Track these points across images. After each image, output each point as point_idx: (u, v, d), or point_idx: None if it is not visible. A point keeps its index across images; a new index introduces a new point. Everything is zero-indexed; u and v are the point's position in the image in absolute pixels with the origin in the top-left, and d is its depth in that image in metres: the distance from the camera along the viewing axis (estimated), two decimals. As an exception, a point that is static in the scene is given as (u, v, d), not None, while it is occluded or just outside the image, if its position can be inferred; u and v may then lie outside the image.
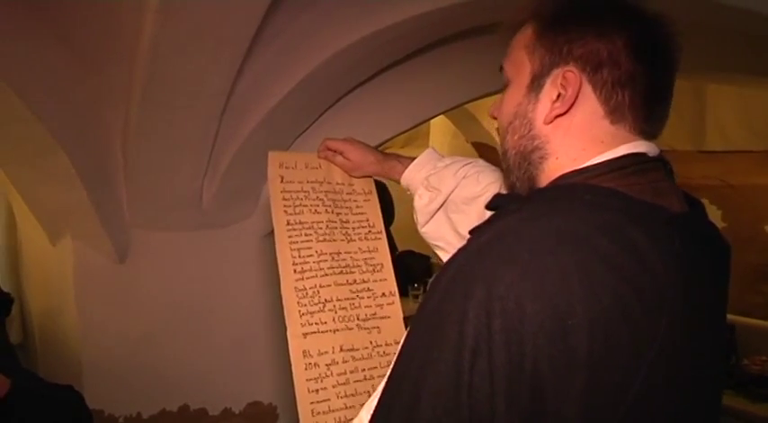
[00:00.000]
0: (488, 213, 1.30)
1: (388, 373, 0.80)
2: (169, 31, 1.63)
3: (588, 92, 0.83)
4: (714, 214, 3.70)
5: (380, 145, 2.69)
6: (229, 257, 2.56)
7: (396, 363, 0.78)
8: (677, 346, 0.74)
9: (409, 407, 0.70)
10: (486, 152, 4.98)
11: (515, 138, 0.89)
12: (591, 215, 0.74)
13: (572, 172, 0.83)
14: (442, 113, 2.98)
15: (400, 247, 4.62)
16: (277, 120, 2.24)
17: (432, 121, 5.35)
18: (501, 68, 0.93)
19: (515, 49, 0.90)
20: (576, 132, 0.84)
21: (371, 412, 0.79)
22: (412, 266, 4.50)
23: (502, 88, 0.95)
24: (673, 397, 0.75)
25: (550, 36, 0.85)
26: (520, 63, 0.88)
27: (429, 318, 0.74)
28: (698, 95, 3.80)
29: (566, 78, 0.83)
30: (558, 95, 0.84)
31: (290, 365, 1.26)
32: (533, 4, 0.88)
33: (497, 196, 0.94)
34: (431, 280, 0.82)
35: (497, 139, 0.99)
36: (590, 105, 0.83)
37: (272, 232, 2.66)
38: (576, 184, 0.82)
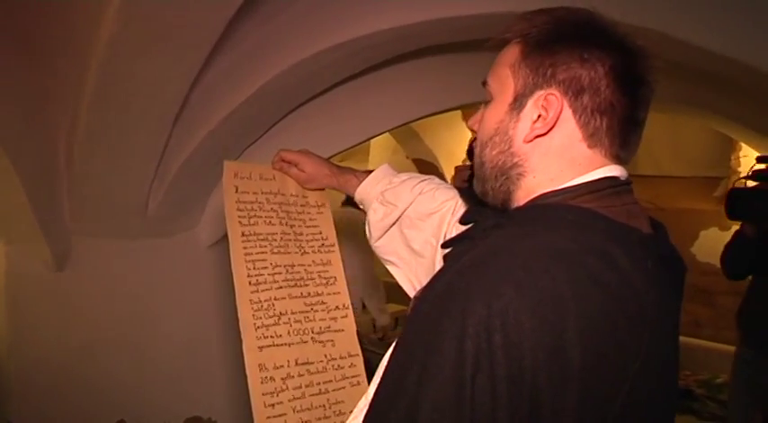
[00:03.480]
0: (443, 230, 1.34)
1: (372, 391, 0.80)
2: (128, 32, 1.59)
3: (568, 116, 0.85)
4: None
5: (330, 158, 2.70)
6: (173, 267, 2.50)
7: (385, 379, 0.78)
8: (655, 358, 0.78)
9: (408, 420, 0.71)
10: (425, 168, 5.04)
11: (494, 152, 0.91)
12: (576, 235, 0.78)
13: (550, 192, 0.86)
14: (392, 130, 3.00)
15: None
16: (227, 130, 2.22)
17: (373, 136, 5.40)
18: (485, 83, 0.95)
19: (501, 65, 0.92)
20: (555, 154, 0.87)
21: None
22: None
23: (484, 101, 0.97)
24: (650, 407, 0.79)
25: (536, 57, 0.87)
26: (504, 80, 0.90)
27: (422, 335, 0.75)
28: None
29: (548, 101, 0.85)
30: (539, 116, 0.86)
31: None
32: (522, 25, 0.90)
33: (471, 211, 0.97)
34: (415, 295, 0.83)
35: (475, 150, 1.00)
36: (569, 129, 0.86)
37: (216, 243, 2.62)
38: (556, 205, 0.84)
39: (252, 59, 2.06)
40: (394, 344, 0.81)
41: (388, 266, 1.44)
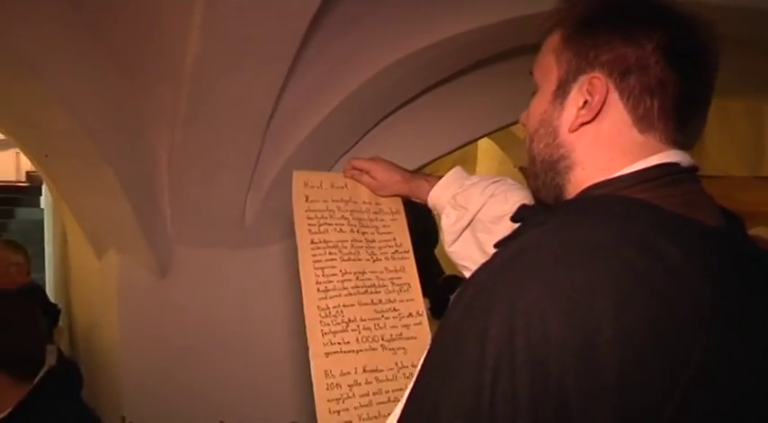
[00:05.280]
0: (516, 230, 1.28)
1: (406, 395, 0.78)
2: (212, 48, 1.66)
3: (615, 99, 0.79)
4: (773, 242, 3.54)
5: (424, 166, 2.68)
6: (270, 276, 2.57)
7: (414, 384, 0.75)
8: (716, 368, 0.69)
9: None
10: (533, 176, 4.90)
11: (541, 146, 0.86)
12: (621, 227, 0.71)
13: (600, 183, 0.79)
14: (486, 135, 2.95)
15: (445, 271, 4.57)
16: (320, 140, 2.26)
17: (479, 145, 5.34)
18: (531, 73, 0.90)
19: (544, 53, 0.87)
20: (603, 142, 0.80)
21: None
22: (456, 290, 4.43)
23: (532, 93, 0.93)
24: (719, 421, 0.70)
25: (577, 40, 0.81)
26: (547, 68, 0.85)
27: (449, 336, 0.71)
28: (755, 119, 3.66)
29: (592, 85, 0.79)
30: (585, 102, 0.80)
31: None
32: (562, 9, 0.85)
33: (523, 207, 0.92)
34: (452, 296, 0.79)
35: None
36: (617, 113, 0.79)
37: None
38: (604, 196, 0.78)
39: (338, 68, 2.08)
40: (429, 346, 0.77)
41: (463, 272, 1.39)
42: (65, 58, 1.83)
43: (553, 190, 0.86)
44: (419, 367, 0.77)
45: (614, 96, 0.79)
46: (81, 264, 2.62)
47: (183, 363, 2.34)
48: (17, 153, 7.25)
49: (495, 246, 0.83)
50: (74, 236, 2.62)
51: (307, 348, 1.26)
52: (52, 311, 2.54)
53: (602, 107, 0.79)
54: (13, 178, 8.27)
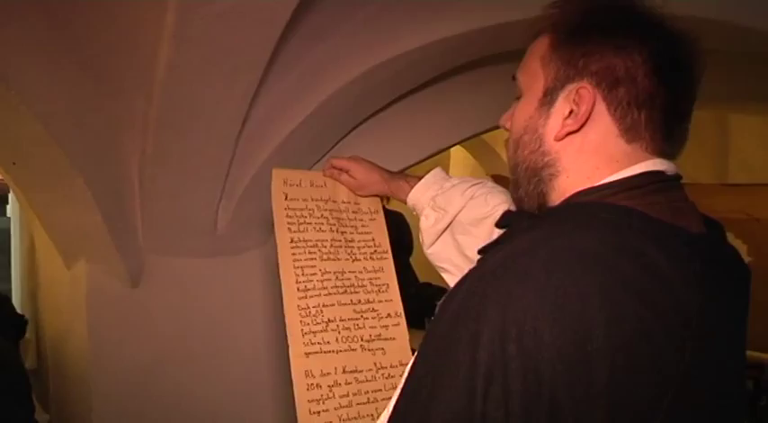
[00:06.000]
0: (497, 235, 1.29)
1: (393, 400, 0.77)
2: (184, 57, 1.65)
3: (602, 110, 0.80)
4: (740, 249, 3.59)
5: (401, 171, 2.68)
6: (243, 285, 2.54)
7: (403, 389, 0.75)
8: (702, 373, 0.71)
9: None
10: (505, 184, 4.95)
11: (525, 152, 0.86)
12: (609, 235, 0.72)
13: (586, 190, 0.80)
14: (459, 144, 2.96)
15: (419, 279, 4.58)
16: (292, 148, 2.25)
17: (452, 153, 5.39)
18: (514, 77, 0.91)
19: (530, 58, 0.87)
20: (589, 150, 0.82)
21: None
22: (431, 299, 4.44)
23: (515, 97, 0.92)
24: (703, 421, 0.73)
25: (567, 48, 0.82)
26: (534, 73, 0.86)
27: (438, 342, 0.71)
28: (721, 126, 3.75)
29: (579, 95, 0.80)
30: (570, 112, 0.81)
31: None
32: (552, 14, 0.86)
33: (507, 213, 0.92)
34: (439, 303, 0.78)
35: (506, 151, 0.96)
36: (604, 123, 0.81)
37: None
38: (591, 203, 0.79)
39: (311, 76, 2.08)
40: (416, 353, 0.78)
41: (442, 273, 1.40)
42: (33, 63, 1.80)
43: (536, 198, 0.87)
44: (406, 374, 0.77)
45: (601, 107, 0.80)
46: (49, 274, 2.56)
47: (155, 374, 2.30)
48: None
49: (480, 251, 0.84)
50: (42, 245, 2.57)
51: (284, 356, 1.26)
52: (19, 322, 2.48)
53: (588, 117, 0.80)
54: (-24, 189, 8.09)
